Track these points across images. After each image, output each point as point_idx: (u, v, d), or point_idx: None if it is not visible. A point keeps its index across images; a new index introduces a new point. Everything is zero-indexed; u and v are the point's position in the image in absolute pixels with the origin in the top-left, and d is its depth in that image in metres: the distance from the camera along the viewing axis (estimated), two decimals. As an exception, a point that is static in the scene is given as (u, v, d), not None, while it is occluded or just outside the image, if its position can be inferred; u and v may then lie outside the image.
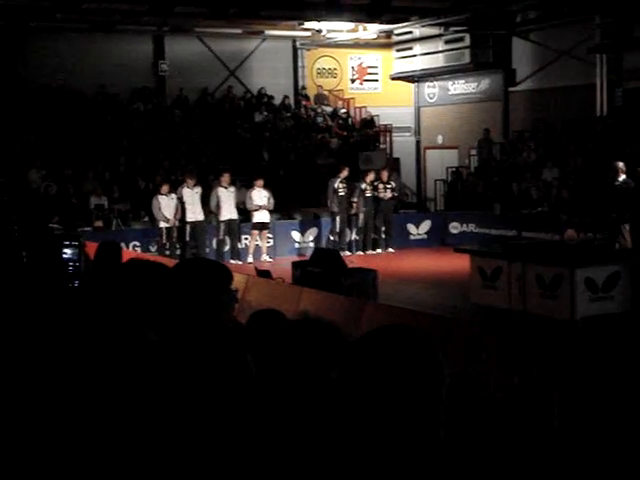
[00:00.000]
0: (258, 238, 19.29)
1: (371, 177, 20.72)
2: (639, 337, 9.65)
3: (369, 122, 26.92)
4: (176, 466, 2.43)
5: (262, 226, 19.20)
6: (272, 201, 19.35)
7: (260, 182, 19.36)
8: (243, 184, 20.07)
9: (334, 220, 20.06)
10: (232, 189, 19.10)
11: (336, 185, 19.98)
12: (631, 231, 14.95)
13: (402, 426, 1.85)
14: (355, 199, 20.29)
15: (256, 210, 19.17)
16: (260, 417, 2.21)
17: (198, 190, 18.85)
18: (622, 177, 15.27)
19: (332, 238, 20.06)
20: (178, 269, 3.10)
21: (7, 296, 4.77)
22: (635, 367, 6.37)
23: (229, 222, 18.91)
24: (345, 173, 20.21)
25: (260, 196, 19.24)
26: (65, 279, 5.17)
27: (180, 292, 2.95)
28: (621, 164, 15.34)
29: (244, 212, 19.40)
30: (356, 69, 28.40)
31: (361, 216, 20.33)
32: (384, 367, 1.87)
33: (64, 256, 5.25)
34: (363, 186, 20.48)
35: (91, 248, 7.21)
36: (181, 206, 18.57)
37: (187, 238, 18.74)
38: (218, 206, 18.88)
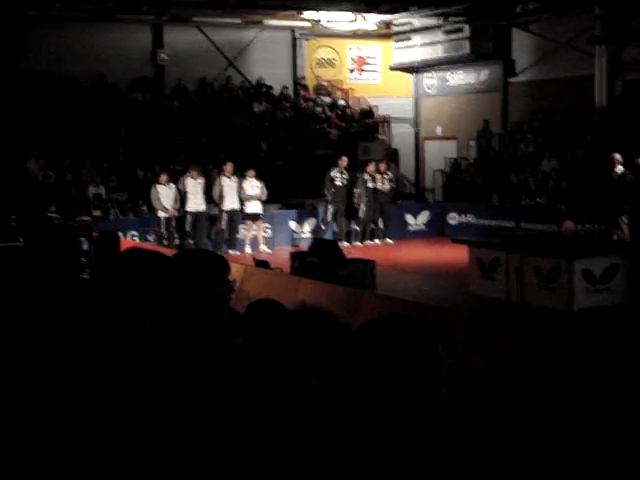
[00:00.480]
0: (255, 228, 19.28)
1: (372, 167, 20.71)
2: (637, 329, 9.65)
3: (368, 113, 26.86)
4: (171, 455, 2.43)
5: (254, 217, 19.16)
6: (265, 191, 19.29)
7: (252, 172, 19.30)
8: (241, 174, 20.06)
9: (327, 210, 20.02)
10: (235, 179, 19.09)
11: (332, 174, 19.94)
12: (629, 223, 14.95)
13: (400, 416, 1.86)
14: (358, 190, 20.24)
15: (248, 200, 19.14)
16: (258, 408, 2.21)
17: (201, 181, 18.85)
18: (619, 168, 15.26)
19: (323, 227, 20.02)
20: (176, 260, 3.11)
21: (5, 284, 4.77)
22: (632, 359, 6.39)
23: (231, 212, 18.92)
24: (344, 163, 20.17)
25: (252, 186, 19.20)
26: (77, 270, 5.18)
27: (178, 283, 2.96)
28: (618, 155, 15.32)
29: (241, 202, 19.39)
30: (355, 59, 28.32)
31: (362, 207, 20.28)
32: (382, 358, 1.88)
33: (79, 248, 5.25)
34: (365, 177, 20.44)
35: (89, 237, 7.19)
36: (181, 196, 18.57)
37: (188, 228, 18.75)
38: (221, 196, 18.87)
